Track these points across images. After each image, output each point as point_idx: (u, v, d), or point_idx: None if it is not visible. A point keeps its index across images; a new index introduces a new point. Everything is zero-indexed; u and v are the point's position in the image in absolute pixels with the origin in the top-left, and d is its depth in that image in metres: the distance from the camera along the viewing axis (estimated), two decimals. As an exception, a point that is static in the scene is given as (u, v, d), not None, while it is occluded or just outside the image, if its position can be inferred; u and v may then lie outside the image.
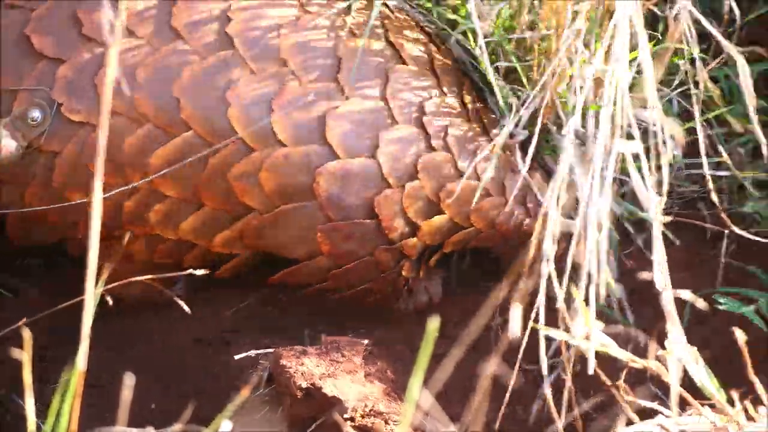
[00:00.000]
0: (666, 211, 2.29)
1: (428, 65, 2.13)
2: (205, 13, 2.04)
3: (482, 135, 2.13)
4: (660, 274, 1.67)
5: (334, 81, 2.05)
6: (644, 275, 1.57)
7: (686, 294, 1.59)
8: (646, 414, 1.74)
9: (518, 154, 2.14)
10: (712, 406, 1.78)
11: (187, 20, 2.03)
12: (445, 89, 2.12)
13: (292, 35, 2.05)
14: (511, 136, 2.13)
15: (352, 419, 1.91)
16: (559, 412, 1.95)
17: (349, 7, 2.09)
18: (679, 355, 1.53)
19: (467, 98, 2.14)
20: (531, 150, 2.08)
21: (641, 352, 1.74)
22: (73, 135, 2.01)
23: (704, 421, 1.66)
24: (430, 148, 2.08)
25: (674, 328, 1.49)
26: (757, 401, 1.79)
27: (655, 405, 1.71)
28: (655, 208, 1.68)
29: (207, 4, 2.05)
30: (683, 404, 1.76)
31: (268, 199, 2.05)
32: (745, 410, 1.77)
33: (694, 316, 2.16)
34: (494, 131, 2.13)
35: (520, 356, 1.89)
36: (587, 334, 1.58)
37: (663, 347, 1.60)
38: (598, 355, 1.65)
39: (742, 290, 2.27)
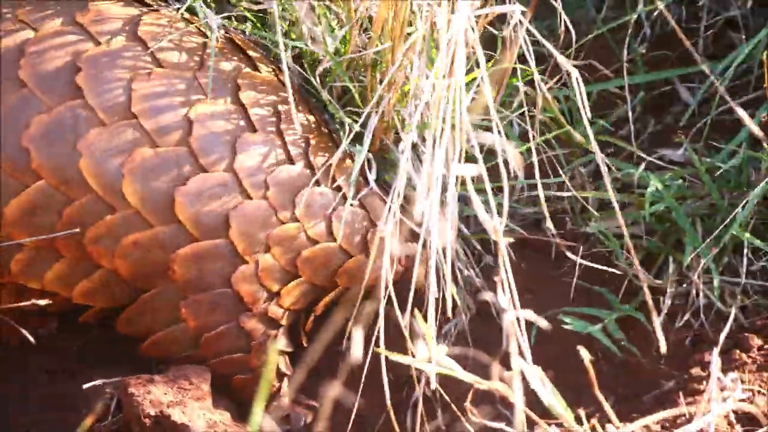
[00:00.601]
0: (510, 233, 2.32)
1: (275, 126, 2.11)
2: (56, 60, 2.01)
3: (336, 191, 2.14)
4: (504, 294, 1.69)
5: (186, 146, 2.03)
6: (487, 296, 1.58)
7: (530, 314, 1.60)
8: (493, 433, 1.76)
9: (378, 204, 2.14)
10: (560, 425, 1.80)
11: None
12: (290, 150, 2.10)
13: (143, 88, 2.02)
14: (351, 157, 2.12)
15: (201, 445, 1.89)
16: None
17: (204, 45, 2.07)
18: (522, 375, 1.55)
19: (318, 158, 2.14)
20: (373, 171, 2.09)
21: (487, 372, 1.75)
22: None
23: (551, 440, 1.68)
24: (280, 222, 2.07)
25: (517, 348, 1.50)
26: (604, 419, 1.82)
27: (501, 425, 1.72)
28: (495, 230, 1.70)
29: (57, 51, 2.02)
30: (531, 424, 1.78)
31: (126, 284, 2.04)
32: (593, 428, 1.80)
33: (541, 335, 2.19)
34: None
35: (362, 380, 1.89)
36: (430, 358, 1.58)
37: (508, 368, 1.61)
38: (444, 375, 1.66)
39: (587, 309, 2.31)
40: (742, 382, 2.03)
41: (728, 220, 2.27)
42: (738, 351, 2.13)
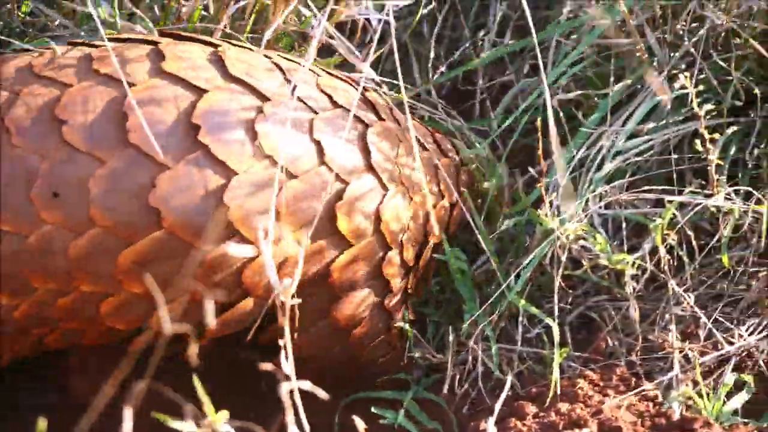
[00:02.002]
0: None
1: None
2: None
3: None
4: (286, 362, 1.73)
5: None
6: (267, 366, 1.62)
7: (307, 384, 1.65)
8: None
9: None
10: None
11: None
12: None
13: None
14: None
15: None
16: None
17: None
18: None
19: None
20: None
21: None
22: None
23: None
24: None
25: (294, 419, 1.55)
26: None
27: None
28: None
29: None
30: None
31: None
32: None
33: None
34: None
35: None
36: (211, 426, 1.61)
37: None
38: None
39: (385, 393, 2.39)
40: None
41: (503, 287, 2.38)
42: (513, 419, 2.21)
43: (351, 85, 2.29)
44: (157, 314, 2.03)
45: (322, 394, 1.63)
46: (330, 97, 2.20)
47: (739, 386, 2.29)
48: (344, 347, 2.26)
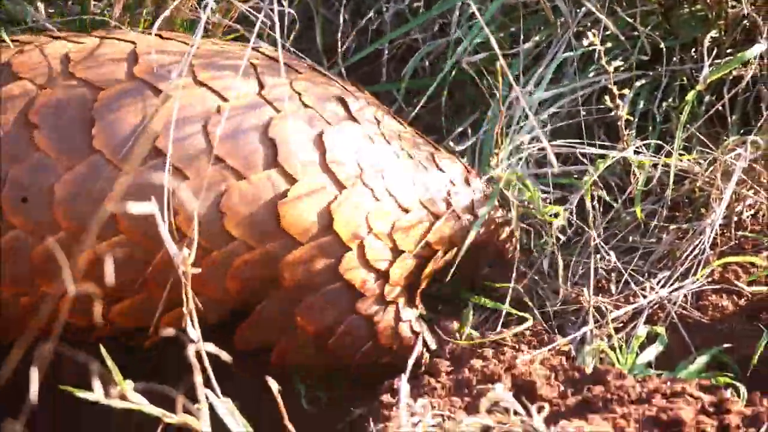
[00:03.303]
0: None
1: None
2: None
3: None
4: (192, 328, 1.77)
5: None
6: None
7: (212, 347, 1.68)
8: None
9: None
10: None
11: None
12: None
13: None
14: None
15: None
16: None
17: None
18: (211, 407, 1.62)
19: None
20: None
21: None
22: None
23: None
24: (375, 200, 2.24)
25: (202, 380, 1.58)
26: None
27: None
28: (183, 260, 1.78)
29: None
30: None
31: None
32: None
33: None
34: None
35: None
36: (119, 394, 1.64)
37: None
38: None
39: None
40: (433, 407, 2.11)
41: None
42: (427, 376, 2.26)
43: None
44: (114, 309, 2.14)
45: (225, 356, 1.66)
46: (299, 95, 2.24)
47: (651, 338, 2.34)
48: (330, 355, 2.28)
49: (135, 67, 2.16)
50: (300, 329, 2.21)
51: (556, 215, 2.44)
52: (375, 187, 2.25)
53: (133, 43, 2.21)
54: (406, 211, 2.27)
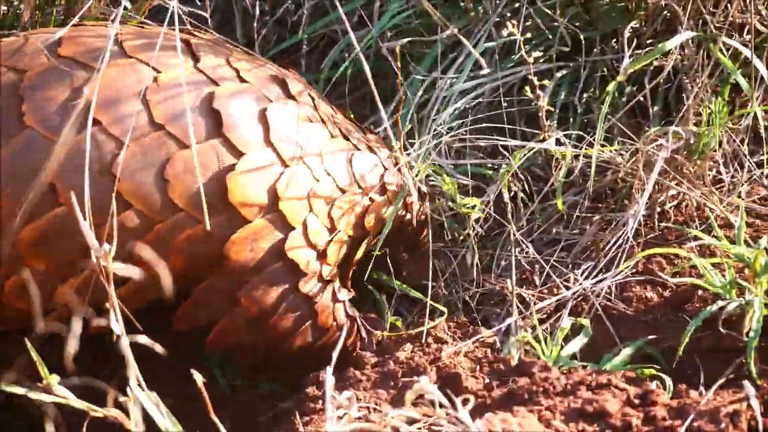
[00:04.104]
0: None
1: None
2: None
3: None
4: (116, 321, 1.74)
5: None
6: (101, 321, 1.63)
7: (144, 339, 1.66)
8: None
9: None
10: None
11: None
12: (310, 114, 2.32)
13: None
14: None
15: None
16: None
17: None
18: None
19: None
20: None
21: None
22: None
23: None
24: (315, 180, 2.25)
25: (133, 373, 1.57)
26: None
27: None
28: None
29: None
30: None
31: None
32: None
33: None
34: None
35: None
36: (46, 387, 1.62)
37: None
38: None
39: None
40: (358, 400, 2.14)
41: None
42: (352, 369, 2.26)
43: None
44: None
45: (159, 348, 1.65)
46: (237, 71, 2.23)
47: (576, 330, 2.37)
48: (271, 336, 2.26)
49: (60, 49, 2.14)
50: (243, 309, 2.20)
51: (474, 207, 2.46)
52: (314, 167, 2.25)
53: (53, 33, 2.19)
54: (343, 191, 2.28)
